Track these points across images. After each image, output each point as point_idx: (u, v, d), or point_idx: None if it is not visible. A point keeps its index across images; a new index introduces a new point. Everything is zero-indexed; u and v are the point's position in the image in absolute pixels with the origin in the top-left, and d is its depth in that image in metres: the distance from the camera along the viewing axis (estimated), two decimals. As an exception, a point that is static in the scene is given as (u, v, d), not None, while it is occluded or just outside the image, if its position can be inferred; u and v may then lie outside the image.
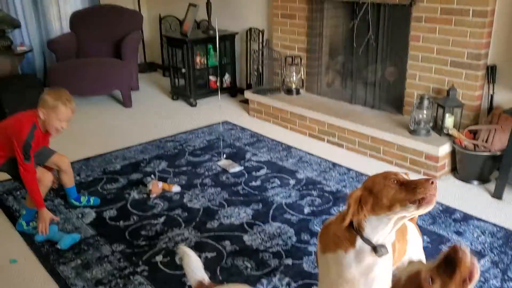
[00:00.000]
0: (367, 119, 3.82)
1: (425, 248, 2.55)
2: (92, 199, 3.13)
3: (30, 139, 2.62)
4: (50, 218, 2.70)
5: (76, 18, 5.50)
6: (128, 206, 3.09)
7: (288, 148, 3.99)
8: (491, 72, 3.31)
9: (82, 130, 4.47)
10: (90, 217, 2.96)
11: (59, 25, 5.98)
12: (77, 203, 3.11)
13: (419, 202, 1.45)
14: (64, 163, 3.04)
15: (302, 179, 3.41)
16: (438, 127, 3.47)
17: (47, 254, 2.59)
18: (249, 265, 2.46)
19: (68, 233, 2.76)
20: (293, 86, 4.55)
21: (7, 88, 4.56)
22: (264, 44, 4.88)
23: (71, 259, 2.54)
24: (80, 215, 2.98)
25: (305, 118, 4.19)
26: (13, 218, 2.97)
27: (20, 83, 4.69)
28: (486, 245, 2.60)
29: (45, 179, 2.78)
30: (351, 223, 1.55)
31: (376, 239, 1.54)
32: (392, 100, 3.98)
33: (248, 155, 3.84)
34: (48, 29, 5.89)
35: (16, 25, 5.08)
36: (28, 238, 2.75)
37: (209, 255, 2.55)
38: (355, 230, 1.54)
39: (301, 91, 4.58)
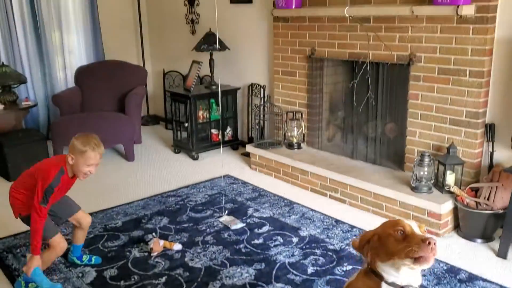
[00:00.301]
0: (369, 175, 3.84)
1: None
2: (93, 258, 3.10)
3: (55, 184, 2.65)
4: (38, 265, 2.68)
5: (81, 73, 5.63)
6: (129, 264, 3.06)
7: (291, 203, 3.98)
8: (489, 130, 3.36)
9: (83, 185, 4.46)
10: (90, 277, 2.92)
11: (64, 76, 6.10)
12: (78, 262, 3.07)
13: (416, 259, 1.47)
14: (86, 222, 3.06)
15: (305, 237, 3.39)
16: (439, 184, 3.48)
17: (46, 317, 2.54)
18: (252, 330, 2.41)
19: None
20: (294, 141, 4.60)
21: (11, 142, 4.61)
22: (265, 99, 4.98)
23: (70, 322, 2.49)
24: (80, 274, 2.94)
25: (307, 172, 4.22)
26: (11, 277, 2.93)
27: (23, 137, 4.75)
28: (493, 308, 2.55)
29: (60, 247, 2.81)
30: (372, 271, 1.56)
31: (400, 282, 1.53)
32: (393, 156, 4.02)
33: (250, 211, 3.83)
34: (53, 83, 6.01)
35: (22, 80, 5.19)
36: (27, 299, 2.70)
37: (212, 319, 2.51)
38: (377, 276, 1.55)
39: (303, 145, 4.63)
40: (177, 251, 3.21)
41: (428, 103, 3.59)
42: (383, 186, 3.62)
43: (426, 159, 3.45)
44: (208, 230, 3.52)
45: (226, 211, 3.80)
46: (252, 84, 5.27)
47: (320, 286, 2.77)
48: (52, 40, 5.93)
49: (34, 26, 5.75)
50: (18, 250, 3.25)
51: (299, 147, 4.61)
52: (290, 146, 4.63)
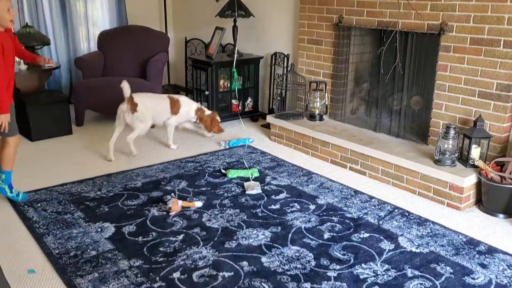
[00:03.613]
0: (392, 147, 3.78)
1: (448, 279, 2.48)
2: (21, 194, 3.35)
3: None
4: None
5: (104, 38, 5.63)
6: (148, 222, 3.08)
7: (309, 173, 3.95)
8: (520, 104, 3.26)
9: (104, 147, 4.51)
10: (109, 232, 2.95)
11: (87, 45, 6.13)
12: (8, 191, 3.30)
13: None
14: (14, 143, 3.27)
15: (323, 205, 3.36)
16: (463, 158, 3.41)
17: (64, 266, 2.57)
18: (266, 287, 2.41)
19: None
20: (317, 112, 4.54)
21: (34, 102, 4.64)
22: (288, 68, 4.91)
23: (88, 272, 2.52)
24: (99, 229, 2.97)
25: (328, 144, 4.17)
26: (32, 229, 2.97)
27: (46, 98, 4.78)
28: (513, 280, 2.51)
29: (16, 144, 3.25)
30: None
31: None
32: (417, 129, 3.94)
33: (267, 179, 3.81)
34: (76, 48, 6.03)
35: (46, 42, 5.22)
36: (47, 248, 2.74)
37: (227, 274, 2.51)
38: None
39: (325, 117, 4.57)
40: (195, 212, 3.22)
41: (457, 75, 3.49)
42: (405, 158, 3.56)
43: (452, 132, 3.37)
44: (225, 194, 3.52)
45: (253, 176, 3.78)
46: (275, 53, 5.20)
47: (336, 251, 2.75)
48: (76, 6, 5.93)
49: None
50: (39, 205, 3.30)
51: (321, 118, 4.55)
52: (311, 117, 4.57)
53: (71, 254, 2.69)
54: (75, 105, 5.14)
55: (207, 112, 4.57)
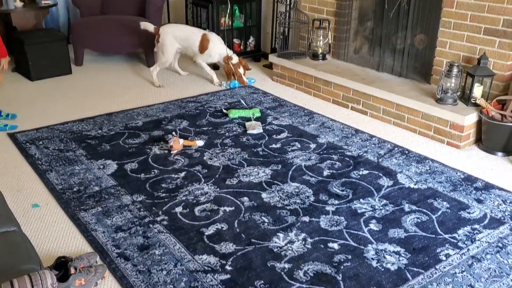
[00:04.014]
0: (394, 86, 3.74)
1: (444, 213, 2.53)
2: (10, 114, 3.69)
3: None
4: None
5: (102, -25, 5.45)
6: (149, 160, 3.11)
7: (311, 113, 3.95)
8: (526, 42, 3.19)
9: (104, 86, 4.49)
10: (111, 169, 2.99)
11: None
12: None
13: None
14: None
15: (323, 144, 3.38)
16: (465, 96, 3.38)
17: (68, 200, 2.63)
18: (266, 220, 2.47)
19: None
20: (320, 51, 4.46)
21: (32, 40, 4.57)
22: (291, 6, 4.78)
23: (92, 206, 2.58)
24: (101, 166, 3.01)
25: (330, 84, 4.13)
26: (35, 165, 3.02)
27: (44, 36, 4.69)
28: (506, 213, 2.55)
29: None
30: None
31: None
32: (420, 68, 3.88)
33: (269, 119, 3.81)
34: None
35: (42, -22, 5.06)
36: (50, 184, 2.80)
37: (228, 209, 2.57)
38: None
39: (328, 56, 4.50)
40: (196, 151, 3.24)
41: (463, 11, 3.39)
42: (407, 97, 3.54)
43: (455, 70, 3.32)
44: (227, 134, 3.53)
45: (254, 116, 3.78)
46: (278, -10, 5.04)
47: (335, 187, 2.80)
48: None
49: None
50: (41, 143, 3.33)
51: (324, 58, 4.48)
52: (314, 56, 4.49)
53: (74, 189, 2.74)
54: (73, 45, 5.06)
55: (235, 59, 4.48)
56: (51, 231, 2.39)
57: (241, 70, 4.50)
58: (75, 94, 4.34)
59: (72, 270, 1.88)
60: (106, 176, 2.90)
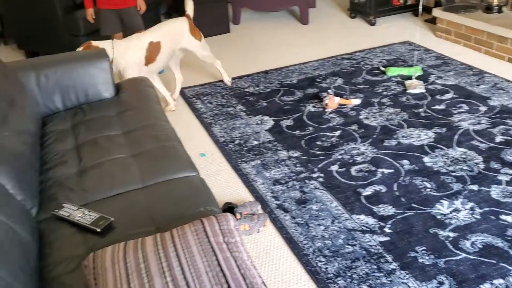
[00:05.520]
0: None
1: None
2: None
3: None
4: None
5: None
6: (304, 117, 3.13)
7: (480, 72, 3.55)
8: None
9: (260, 44, 4.59)
10: (268, 124, 3.08)
11: None
12: None
13: None
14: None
15: (496, 107, 3.03)
16: None
17: (231, 152, 2.78)
18: (428, 185, 2.32)
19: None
20: (495, 3, 3.95)
21: (194, 0, 4.79)
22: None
23: (251, 158, 2.69)
24: (259, 122, 3.12)
25: (506, 40, 3.65)
26: (202, 119, 3.23)
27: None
28: None
29: None
30: None
31: None
32: None
33: (432, 78, 3.53)
34: None
35: None
36: (215, 136, 2.98)
37: (386, 171, 2.47)
38: None
39: (504, 9, 3.97)
40: (352, 109, 3.16)
41: None
42: None
43: None
44: (384, 92, 3.37)
45: (416, 74, 3.55)
46: None
47: (509, 155, 2.50)
48: None
49: None
50: (205, 98, 3.55)
51: (499, 11, 3.97)
52: (488, 9, 4.00)
53: (236, 142, 2.89)
54: (232, 4, 5.25)
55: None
56: (216, 178, 2.57)
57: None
58: (234, 51, 4.52)
59: (238, 216, 1.99)
60: (263, 131, 3.00)
